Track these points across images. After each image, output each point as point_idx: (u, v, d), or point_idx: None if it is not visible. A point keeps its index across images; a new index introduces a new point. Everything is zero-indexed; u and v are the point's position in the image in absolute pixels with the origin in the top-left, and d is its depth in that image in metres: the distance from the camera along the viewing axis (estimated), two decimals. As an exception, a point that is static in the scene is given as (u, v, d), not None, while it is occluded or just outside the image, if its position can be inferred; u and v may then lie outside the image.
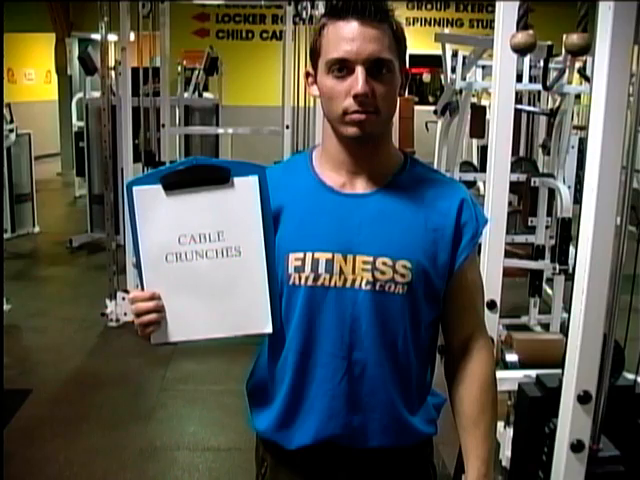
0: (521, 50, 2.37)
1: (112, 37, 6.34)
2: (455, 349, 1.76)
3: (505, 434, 3.12)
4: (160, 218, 1.54)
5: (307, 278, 1.61)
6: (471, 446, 1.71)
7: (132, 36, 6.35)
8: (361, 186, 1.65)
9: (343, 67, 1.54)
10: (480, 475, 1.69)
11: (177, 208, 1.53)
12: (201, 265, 1.54)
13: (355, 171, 1.65)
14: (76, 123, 11.84)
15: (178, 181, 1.52)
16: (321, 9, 5.80)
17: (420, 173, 1.72)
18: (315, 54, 1.61)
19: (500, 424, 3.04)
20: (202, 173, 1.53)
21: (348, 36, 1.53)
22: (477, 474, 1.69)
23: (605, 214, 2.08)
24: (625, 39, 1.96)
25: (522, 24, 2.42)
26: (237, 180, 1.53)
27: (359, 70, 1.52)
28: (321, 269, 1.60)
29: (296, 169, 1.74)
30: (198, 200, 1.53)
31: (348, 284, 1.60)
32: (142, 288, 1.57)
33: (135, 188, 1.53)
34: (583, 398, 2.17)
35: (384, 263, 1.59)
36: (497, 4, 2.69)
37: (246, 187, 1.53)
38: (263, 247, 1.54)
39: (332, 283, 1.60)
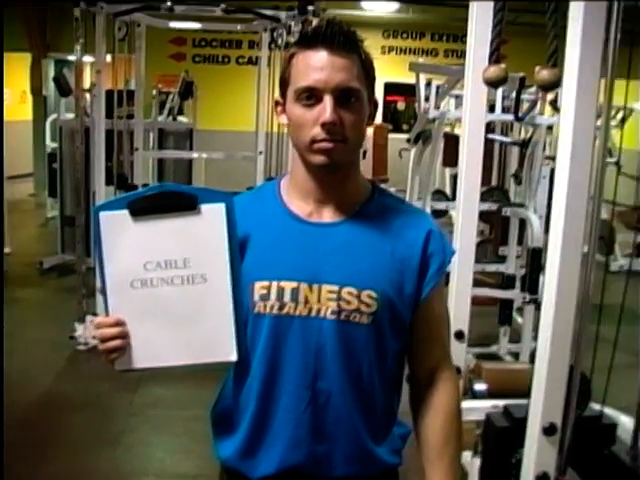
0: (493, 83, 2.40)
1: (88, 58, 6.33)
2: (420, 380, 1.76)
3: (473, 464, 3.11)
4: (126, 244, 1.53)
5: (272, 307, 1.61)
6: (435, 478, 1.70)
7: (108, 58, 6.34)
8: (328, 215, 1.66)
9: (312, 95, 1.55)
10: (444, 506, 1.69)
11: (144, 234, 1.53)
12: (167, 292, 1.54)
13: (323, 200, 1.66)
14: (50, 144, 11.73)
15: (145, 207, 1.52)
16: (297, 36, 5.83)
17: (387, 203, 1.72)
18: (284, 83, 1.63)
19: (468, 453, 3.03)
20: (170, 199, 1.52)
21: (317, 65, 1.54)
22: (441, 505, 1.69)
23: (572, 244, 2.09)
24: (592, 72, 1.99)
25: (494, 57, 2.44)
26: (204, 207, 1.52)
27: (327, 99, 1.54)
28: (286, 298, 1.60)
29: (264, 197, 1.74)
30: (165, 226, 1.53)
31: (313, 313, 1.60)
32: (107, 314, 1.55)
33: (102, 213, 1.52)
34: (549, 430, 2.18)
35: (349, 293, 1.59)
36: (469, 36, 2.72)
37: (213, 214, 1.52)
38: (229, 275, 1.54)
39: (297, 312, 1.60)
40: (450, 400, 1.73)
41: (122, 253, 1.53)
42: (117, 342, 1.53)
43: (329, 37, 1.55)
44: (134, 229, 1.52)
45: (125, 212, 1.51)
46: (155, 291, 1.53)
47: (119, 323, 1.54)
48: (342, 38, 1.56)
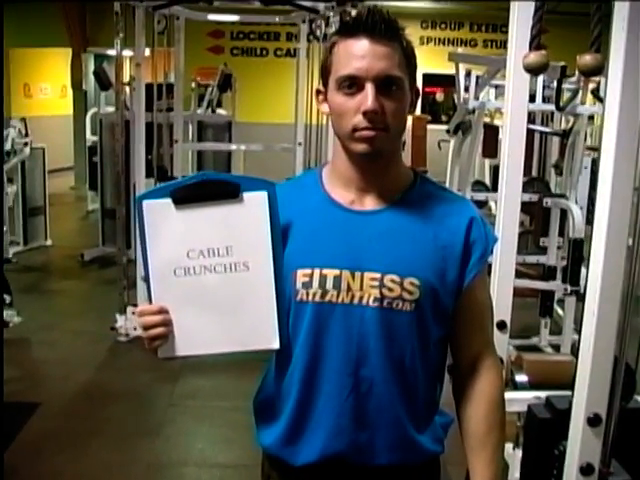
0: (533, 70, 2.36)
1: (128, 52, 6.38)
2: (463, 368, 1.75)
3: (514, 455, 3.09)
4: (169, 232, 1.54)
5: (315, 294, 1.60)
6: (478, 467, 1.69)
7: (147, 52, 6.38)
8: (370, 203, 1.65)
9: (353, 84, 1.55)
10: (487, 496, 1.68)
11: (186, 222, 1.53)
12: (209, 280, 1.54)
13: (364, 188, 1.65)
14: (90, 138, 11.87)
15: (188, 195, 1.53)
16: (335, 27, 5.82)
17: (429, 190, 1.71)
18: (326, 72, 1.63)
19: (509, 445, 3.02)
20: (212, 188, 1.53)
21: (358, 53, 1.54)
22: (484, 495, 1.68)
23: (617, 235, 2.06)
24: (638, 59, 1.96)
25: (535, 44, 2.41)
26: (247, 195, 1.53)
27: (369, 87, 1.53)
28: (329, 285, 1.60)
29: (306, 186, 1.74)
30: (207, 215, 1.53)
31: (355, 301, 1.60)
32: (150, 301, 1.56)
33: (145, 202, 1.53)
34: (593, 421, 2.15)
35: (392, 280, 1.59)
36: (510, 24, 2.69)
37: (255, 202, 1.53)
38: (271, 263, 1.54)
39: (339, 300, 1.60)
40: (493, 388, 1.72)
41: (165, 241, 1.54)
42: (160, 330, 1.54)
43: (370, 25, 1.55)
44: (177, 217, 1.53)
45: (168, 200, 1.52)
46: (198, 279, 1.54)
47: (162, 311, 1.55)
48: (383, 26, 1.55)
